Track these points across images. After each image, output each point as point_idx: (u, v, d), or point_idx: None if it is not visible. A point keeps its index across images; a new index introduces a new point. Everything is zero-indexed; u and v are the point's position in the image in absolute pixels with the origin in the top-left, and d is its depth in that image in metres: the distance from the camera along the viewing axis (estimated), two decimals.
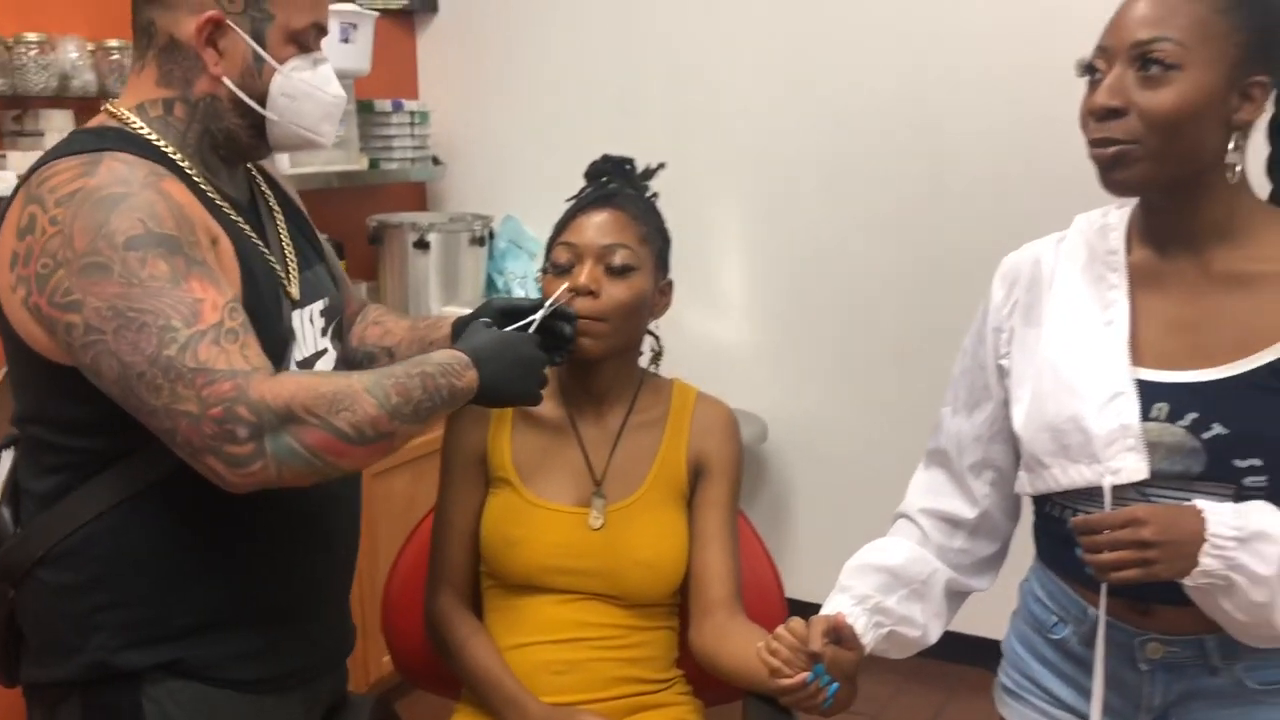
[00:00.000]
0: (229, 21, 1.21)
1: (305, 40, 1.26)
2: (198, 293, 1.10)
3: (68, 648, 1.22)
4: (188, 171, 1.22)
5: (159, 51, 1.23)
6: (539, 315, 1.39)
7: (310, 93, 1.27)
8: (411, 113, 3.24)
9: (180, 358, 1.06)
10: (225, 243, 1.21)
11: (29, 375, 1.20)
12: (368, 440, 1.13)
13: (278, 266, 1.30)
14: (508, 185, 3.38)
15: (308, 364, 1.31)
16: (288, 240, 1.35)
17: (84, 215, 1.09)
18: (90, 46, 2.42)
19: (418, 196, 3.55)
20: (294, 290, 1.31)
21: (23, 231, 1.12)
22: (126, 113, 1.23)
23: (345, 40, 2.87)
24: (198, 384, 1.06)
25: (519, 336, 1.34)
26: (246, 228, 1.27)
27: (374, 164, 3.17)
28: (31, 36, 2.30)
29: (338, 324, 1.42)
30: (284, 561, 1.30)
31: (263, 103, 1.24)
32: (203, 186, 1.23)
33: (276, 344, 1.24)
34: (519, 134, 3.35)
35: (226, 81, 1.22)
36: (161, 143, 1.22)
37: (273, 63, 1.24)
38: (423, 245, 3.00)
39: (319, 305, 1.36)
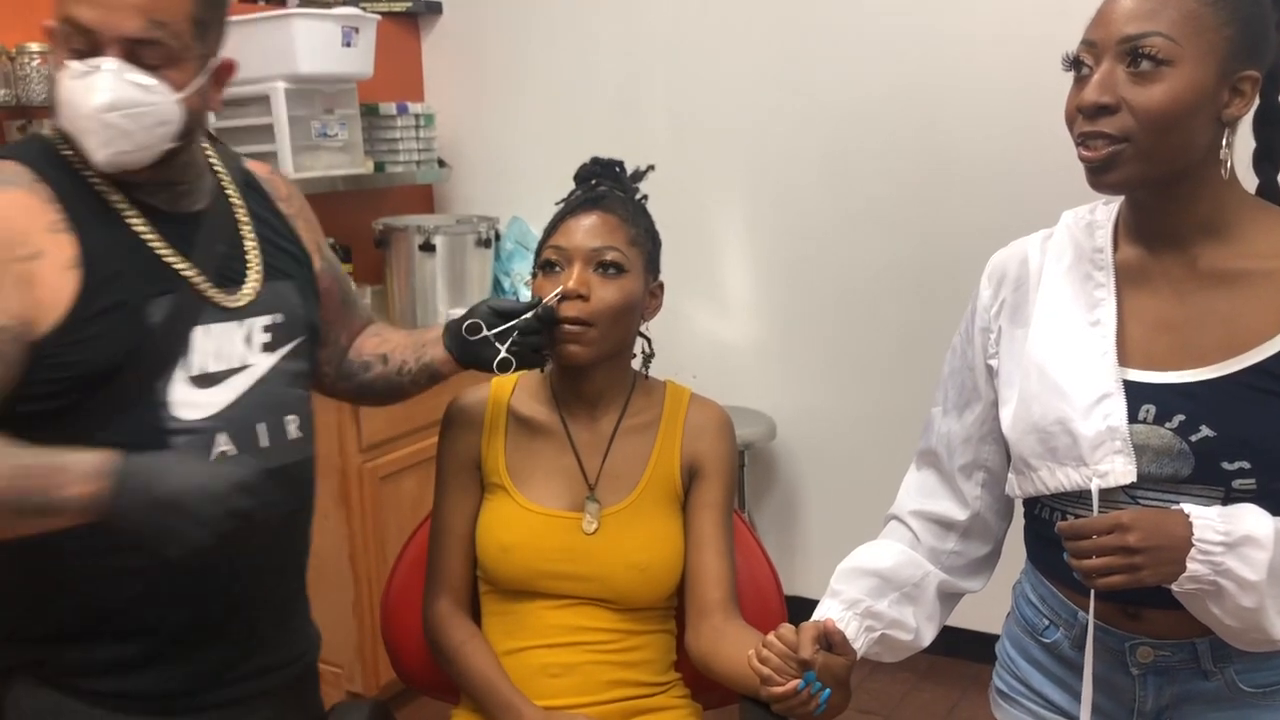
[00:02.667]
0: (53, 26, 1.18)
1: (78, 44, 1.16)
2: None
3: None
4: (92, 181, 1.21)
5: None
6: (522, 318, 1.40)
7: (69, 100, 1.16)
8: (417, 115, 3.24)
9: None
10: (60, 255, 1.17)
11: None
12: None
13: (194, 276, 1.25)
14: (513, 187, 3.38)
15: (216, 379, 1.26)
16: (254, 253, 1.33)
17: None
18: None
19: (424, 199, 3.55)
20: (226, 300, 1.28)
21: None
22: (45, 132, 1.25)
23: (348, 44, 2.88)
24: None
25: (206, 466, 1.19)
26: (152, 236, 1.24)
27: (379, 167, 3.18)
28: (34, 47, 2.32)
29: (303, 343, 1.38)
30: (162, 585, 1.24)
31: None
32: (109, 196, 1.22)
33: (143, 353, 1.20)
34: (524, 135, 3.35)
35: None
36: (69, 152, 1.21)
37: (54, 69, 1.19)
38: (429, 248, 3.00)
39: (265, 320, 1.32)
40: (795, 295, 3.06)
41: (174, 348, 1.23)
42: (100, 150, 1.17)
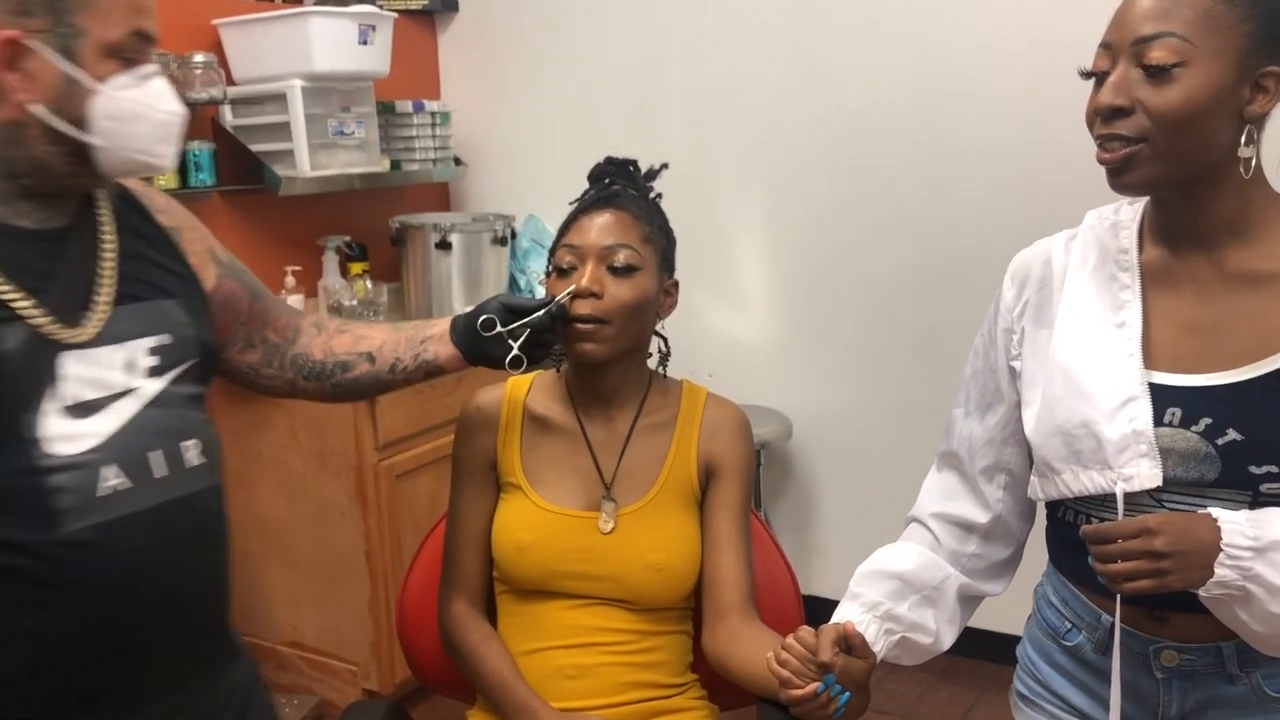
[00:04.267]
0: (30, 42, 1.08)
1: (128, 53, 1.13)
2: None
3: None
4: None
5: None
6: (535, 316, 1.39)
7: (140, 112, 1.14)
8: (433, 113, 3.24)
9: None
10: None
11: None
12: None
13: (29, 308, 1.12)
14: (529, 184, 3.38)
15: (94, 406, 1.14)
16: (110, 275, 1.20)
17: None
18: None
19: (440, 197, 3.55)
20: (76, 333, 1.15)
21: None
22: None
23: (364, 42, 2.87)
24: None
25: None
26: None
27: (395, 165, 3.18)
28: None
29: (195, 365, 1.25)
30: (48, 649, 1.11)
31: (83, 127, 1.12)
32: None
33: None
34: (540, 133, 3.34)
35: (33, 108, 1.10)
36: None
37: (89, 83, 1.11)
38: (445, 246, 3.00)
39: (151, 341, 1.21)
40: (812, 294, 3.05)
41: (37, 376, 1.11)
42: (171, 153, 1.19)
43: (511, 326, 1.39)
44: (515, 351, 1.39)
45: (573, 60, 3.26)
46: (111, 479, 1.12)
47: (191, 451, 1.20)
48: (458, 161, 3.38)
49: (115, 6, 1.11)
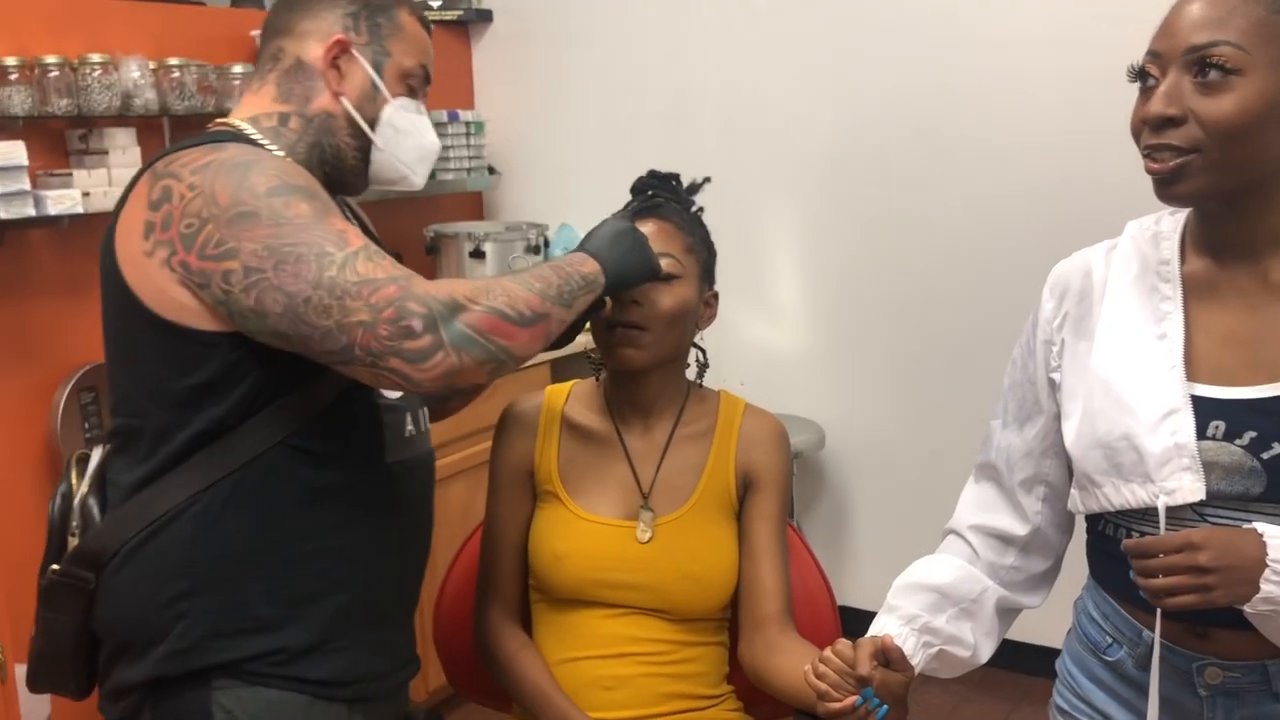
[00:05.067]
0: (353, 50, 1.33)
1: (414, 83, 1.37)
2: (340, 226, 1.18)
3: (146, 641, 1.24)
4: None
5: (282, 73, 1.33)
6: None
7: (412, 132, 1.37)
8: (467, 123, 3.26)
9: (342, 275, 1.13)
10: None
11: (139, 350, 1.23)
12: (528, 321, 1.20)
13: None
14: (563, 194, 3.39)
15: None
16: None
17: (222, 177, 1.17)
18: (152, 66, 2.47)
19: (474, 206, 3.58)
20: None
21: (157, 203, 1.19)
22: (239, 123, 1.31)
23: None
24: (364, 294, 1.12)
25: (616, 222, 1.40)
26: None
27: (430, 174, 3.20)
28: (95, 57, 2.36)
29: None
30: (361, 563, 1.31)
31: (373, 129, 1.34)
32: None
33: None
34: (574, 143, 3.36)
35: (344, 101, 1.32)
36: (273, 147, 1.28)
37: (387, 94, 1.34)
38: (479, 254, 3.03)
39: None
40: (845, 303, 3.05)
41: None
42: (425, 177, 1.42)
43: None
44: None
45: (605, 69, 3.28)
46: (409, 425, 1.37)
47: (426, 417, 1.45)
48: (492, 171, 3.41)
49: (415, 42, 1.37)
